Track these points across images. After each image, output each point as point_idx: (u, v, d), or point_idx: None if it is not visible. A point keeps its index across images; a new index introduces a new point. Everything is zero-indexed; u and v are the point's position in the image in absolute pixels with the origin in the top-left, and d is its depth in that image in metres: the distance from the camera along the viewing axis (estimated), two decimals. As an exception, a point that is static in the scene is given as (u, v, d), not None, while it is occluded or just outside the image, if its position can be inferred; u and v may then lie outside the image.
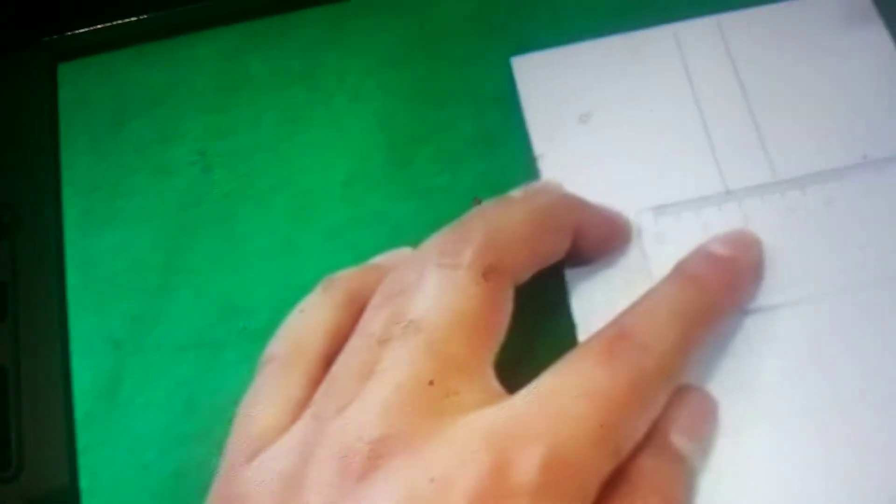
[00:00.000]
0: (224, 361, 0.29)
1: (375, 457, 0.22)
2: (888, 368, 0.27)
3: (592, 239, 0.28)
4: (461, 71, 0.33)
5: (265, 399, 0.25)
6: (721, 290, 0.26)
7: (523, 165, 0.30)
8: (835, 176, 0.29)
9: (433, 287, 0.24)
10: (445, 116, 0.33)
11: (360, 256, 0.29)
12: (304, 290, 0.29)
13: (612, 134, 0.31)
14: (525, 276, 0.26)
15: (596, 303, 0.28)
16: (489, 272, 0.25)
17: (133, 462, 0.28)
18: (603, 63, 0.33)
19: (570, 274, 0.29)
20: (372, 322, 0.25)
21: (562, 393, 0.23)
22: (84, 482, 0.28)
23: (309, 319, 0.26)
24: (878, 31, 0.32)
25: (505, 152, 0.31)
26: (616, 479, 0.24)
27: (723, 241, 0.28)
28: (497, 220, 0.26)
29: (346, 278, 0.27)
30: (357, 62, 0.34)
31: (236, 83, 0.34)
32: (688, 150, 0.31)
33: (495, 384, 0.24)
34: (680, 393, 0.26)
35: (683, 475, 0.25)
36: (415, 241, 0.29)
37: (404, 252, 0.29)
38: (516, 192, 0.29)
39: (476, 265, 0.25)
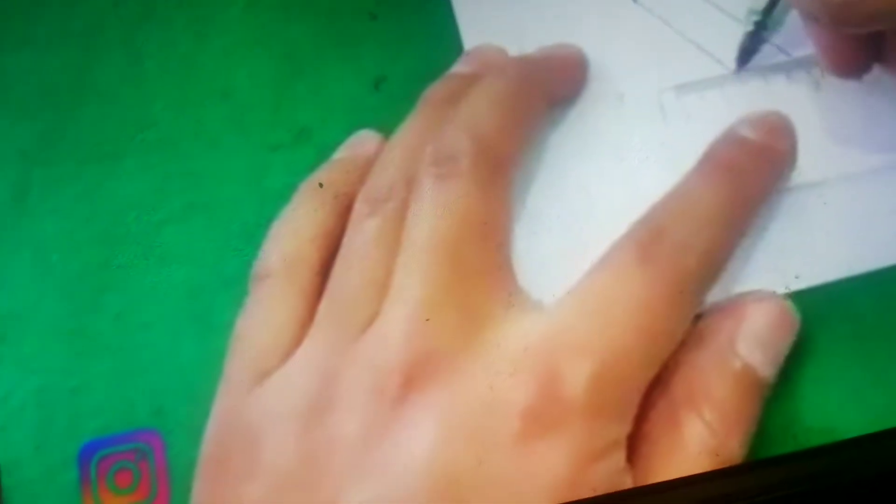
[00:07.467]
0: (124, 172, 0.30)
1: (411, 378, 0.21)
2: None
3: (563, 91, 0.28)
4: None
5: (264, 318, 0.25)
6: (756, 180, 0.25)
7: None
8: None
9: (436, 196, 0.24)
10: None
11: (259, 72, 0.31)
12: (202, 104, 0.30)
13: None
14: (520, 163, 0.26)
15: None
16: (491, 173, 0.24)
17: (38, 263, 0.29)
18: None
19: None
20: (363, 230, 0.24)
21: (601, 302, 0.22)
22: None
23: (298, 228, 0.26)
24: None
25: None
26: (669, 386, 0.23)
27: (754, 123, 0.26)
28: (475, 114, 0.25)
29: (326, 179, 0.27)
30: None
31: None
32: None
33: (521, 289, 0.23)
34: (752, 299, 0.24)
35: (749, 391, 0.23)
36: (312, 63, 0.30)
37: (371, 140, 0.28)
38: (462, 68, 0.28)
39: (477, 169, 0.24)
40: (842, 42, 0.25)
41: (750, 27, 0.28)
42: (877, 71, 0.26)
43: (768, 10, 0.27)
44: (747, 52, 0.28)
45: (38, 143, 0.31)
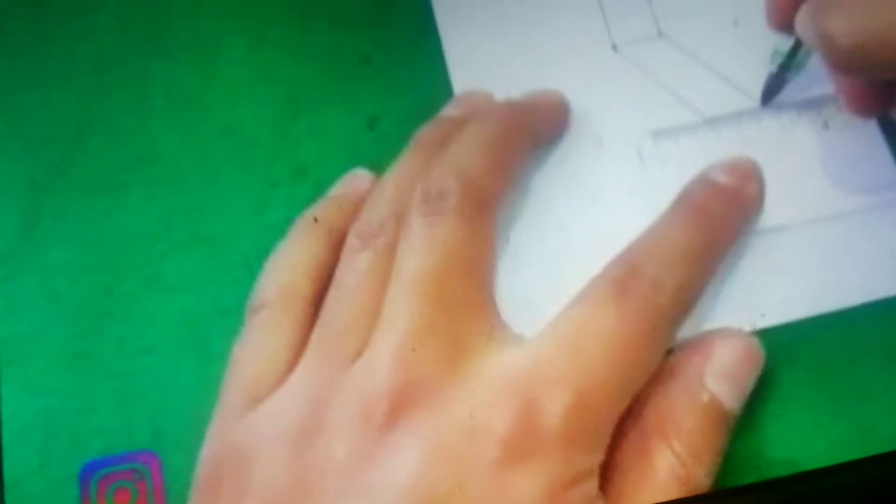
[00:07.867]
0: (129, 203, 0.31)
1: (398, 406, 0.22)
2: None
3: (546, 135, 0.29)
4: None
5: (259, 346, 0.26)
6: (727, 223, 0.26)
7: (418, 29, 0.32)
8: (832, 99, 0.28)
9: (424, 232, 0.25)
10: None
11: (261, 111, 0.32)
12: (205, 140, 0.32)
13: None
14: (505, 202, 0.27)
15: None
16: (477, 211, 0.25)
17: (46, 289, 0.30)
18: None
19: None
20: (355, 263, 0.26)
21: (578, 335, 0.23)
22: (-2, 309, 0.30)
23: (293, 261, 0.27)
24: None
25: (399, 17, 0.33)
26: (641, 417, 0.24)
27: (725, 169, 0.27)
28: (463, 155, 0.27)
29: (321, 214, 0.28)
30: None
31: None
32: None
33: (503, 322, 0.25)
34: (720, 336, 0.25)
35: (716, 422, 0.24)
36: (310, 103, 0.32)
37: (364, 178, 0.30)
38: (451, 111, 0.30)
39: (463, 208, 0.25)
40: (857, 85, 0.26)
41: (774, 69, 0.29)
42: (839, 116, 0.28)
43: (793, 52, 0.28)
44: (770, 92, 0.29)
45: (48, 175, 0.32)
